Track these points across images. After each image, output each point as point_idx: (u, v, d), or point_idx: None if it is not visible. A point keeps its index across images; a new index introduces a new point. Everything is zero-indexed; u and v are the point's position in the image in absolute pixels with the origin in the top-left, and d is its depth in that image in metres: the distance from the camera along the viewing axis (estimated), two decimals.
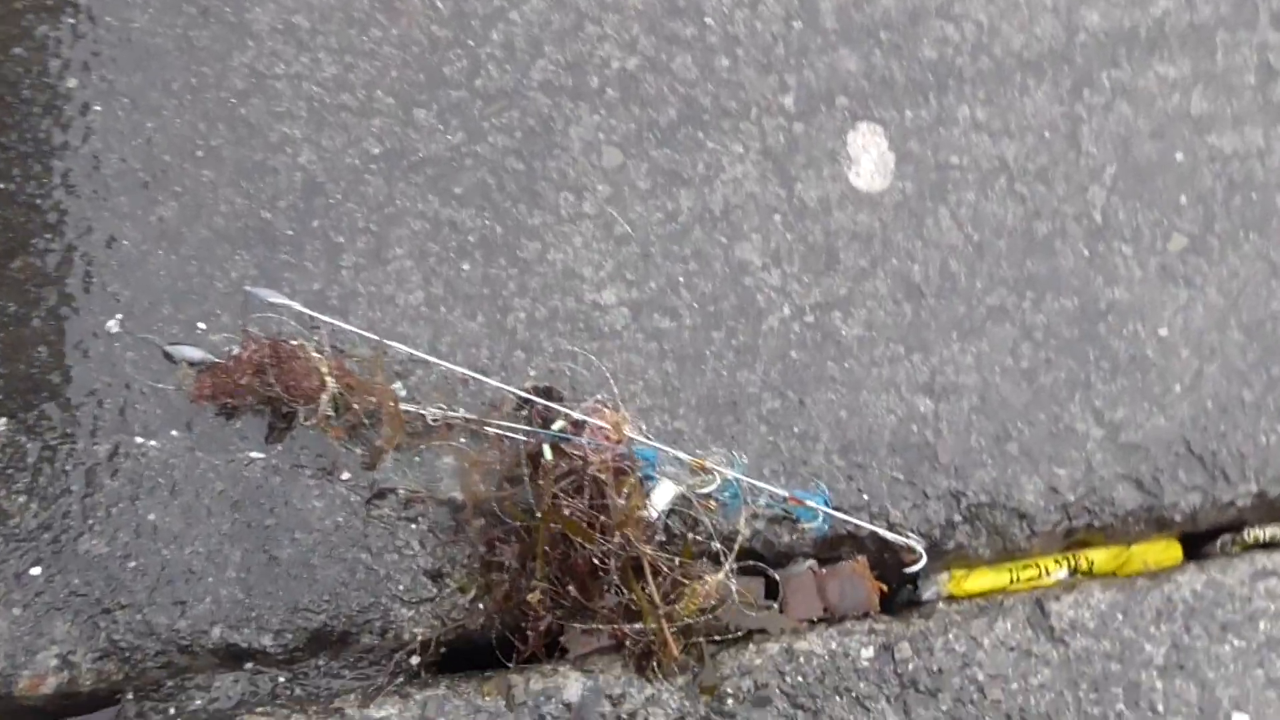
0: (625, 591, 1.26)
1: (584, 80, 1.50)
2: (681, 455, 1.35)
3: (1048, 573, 1.47)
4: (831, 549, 1.41)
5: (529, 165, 1.48)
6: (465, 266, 1.44)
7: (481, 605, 1.37)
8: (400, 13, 1.53)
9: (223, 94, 1.50)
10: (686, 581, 1.27)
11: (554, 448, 1.34)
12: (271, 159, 1.47)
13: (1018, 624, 1.32)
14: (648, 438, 1.36)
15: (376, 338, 1.36)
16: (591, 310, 1.44)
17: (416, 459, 1.38)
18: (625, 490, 1.28)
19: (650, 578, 1.26)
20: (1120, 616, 1.33)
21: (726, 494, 1.36)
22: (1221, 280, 1.50)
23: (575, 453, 1.32)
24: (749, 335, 1.43)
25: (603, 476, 1.30)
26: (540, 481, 1.32)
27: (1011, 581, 1.46)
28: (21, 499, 1.35)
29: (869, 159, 1.49)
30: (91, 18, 1.51)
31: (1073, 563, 1.48)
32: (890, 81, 1.52)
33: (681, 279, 1.45)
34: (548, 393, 1.38)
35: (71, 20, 1.51)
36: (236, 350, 1.36)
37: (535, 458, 1.35)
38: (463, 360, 1.40)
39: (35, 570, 1.34)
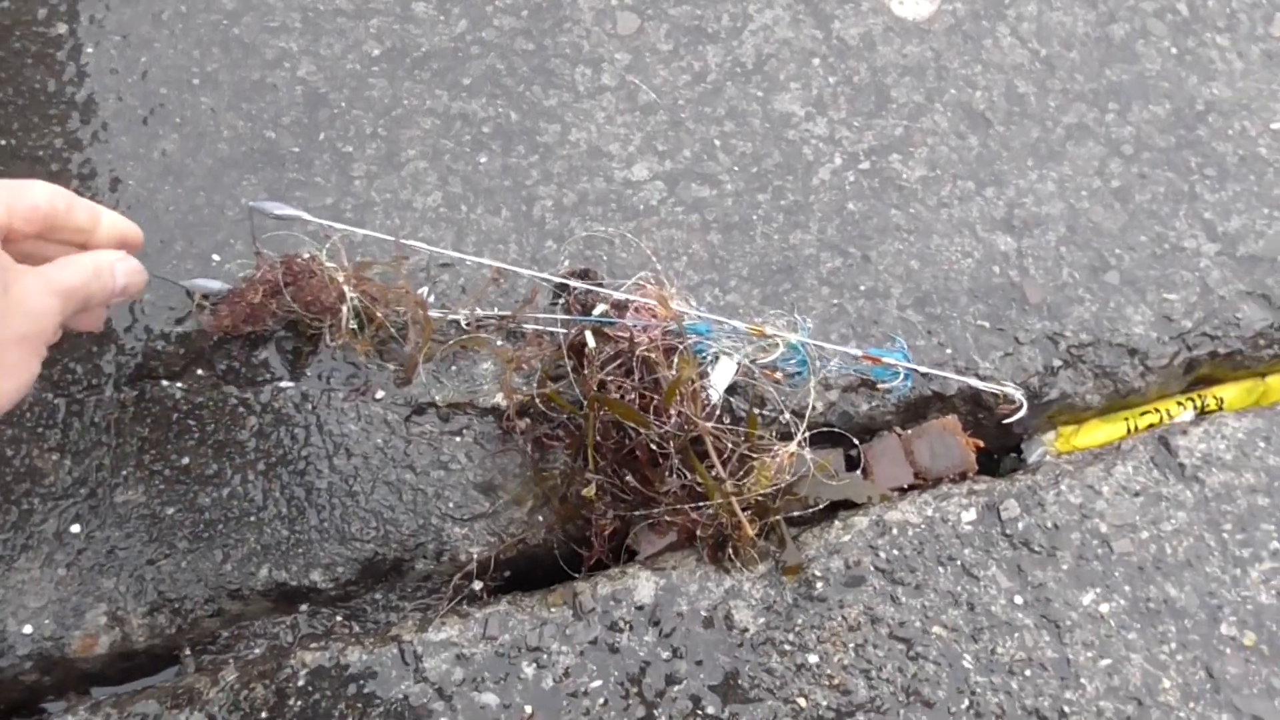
0: (688, 473, 1.13)
1: None
2: (738, 324, 1.22)
3: (1170, 416, 1.29)
4: (917, 415, 1.26)
5: (539, 44, 1.36)
6: (483, 160, 1.34)
7: (540, 518, 1.26)
8: None
9: (214, 16, 1.42)
10: (755, 455, 1.14)
11: (597, 333, 1.22)
12: (270, 76, 1.39)
13: (1140, 465, 1.16)
14: (699, 313, 1.24)
15: (393, 238, 1.26)
16: (623, 188, 1.31)
17: (453, 368, 1.28)
18: (677, 364, 1.16)
19: (715, 455, 1.13)
20: (1262, 444, 1.15)
21: (793, 362, 1.22)
22: None
23: (621, 335, 1.20)
24: (799, 193, 1.29)
25: (652, 356, 1.18)
26: (585, 372, 1.20)
27: (1129, 432, 1.29)
28: (55, 456, 1.29)
29: None
30: None
31: (1199, 402, 1.30)
32: None
33: (718, 142, 1.32)
34: (584, 276, 1.27)
35: None
36: (248, 273, 1.27)
37: (578, 349, 1.23)
38: (490, 258, 1.29)
39: (75, 528, 1.27)
